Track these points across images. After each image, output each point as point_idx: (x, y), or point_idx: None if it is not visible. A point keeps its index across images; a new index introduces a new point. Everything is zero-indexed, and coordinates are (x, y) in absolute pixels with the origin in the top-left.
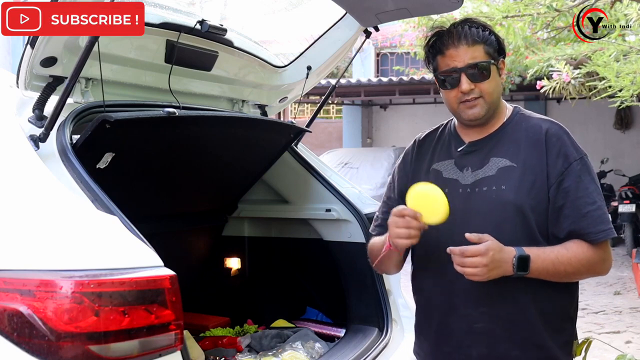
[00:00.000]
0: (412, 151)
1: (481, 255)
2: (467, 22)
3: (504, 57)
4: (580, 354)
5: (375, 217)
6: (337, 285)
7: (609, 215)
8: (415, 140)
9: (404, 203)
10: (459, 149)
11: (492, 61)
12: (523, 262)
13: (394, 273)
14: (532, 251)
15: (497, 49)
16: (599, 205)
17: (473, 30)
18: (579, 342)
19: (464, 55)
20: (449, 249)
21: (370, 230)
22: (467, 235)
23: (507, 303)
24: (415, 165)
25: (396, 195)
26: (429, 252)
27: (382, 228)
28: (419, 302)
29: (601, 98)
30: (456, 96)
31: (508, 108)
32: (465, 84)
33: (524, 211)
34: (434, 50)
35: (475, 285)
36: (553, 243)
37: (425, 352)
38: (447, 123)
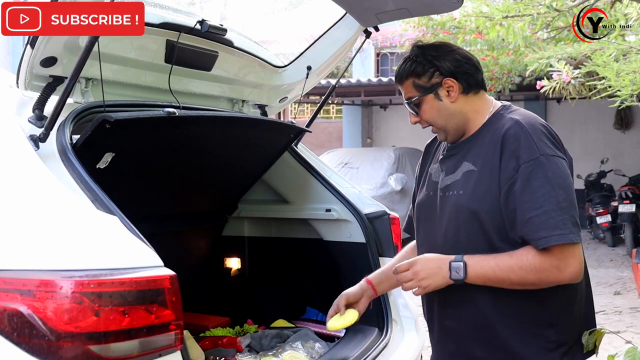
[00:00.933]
0: (422, 155)
1: (409, 269)
2: (409, 53)
3: (452, 75)
4: (592, 346)
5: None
6: (337, 285)
7: (565, 219)
8: (426, 144)
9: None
10: (443, 153)
11: (419, 95)
12: (457, 268)
13: None
14: (472, 259)
15: (437, 73)
16: (545, 210)
17: (403, 67)
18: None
19: (403, 92)
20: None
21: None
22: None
23: (468, 305)
24: (421, 168)
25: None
26: (417, 251)
27: (409, 226)
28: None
29: (601, 98)
30: None
31: (494, 106)
32: (410, 117)
33: (478, 216)
34: None
35: (444, 287)
36: (517, 248)
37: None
38: None
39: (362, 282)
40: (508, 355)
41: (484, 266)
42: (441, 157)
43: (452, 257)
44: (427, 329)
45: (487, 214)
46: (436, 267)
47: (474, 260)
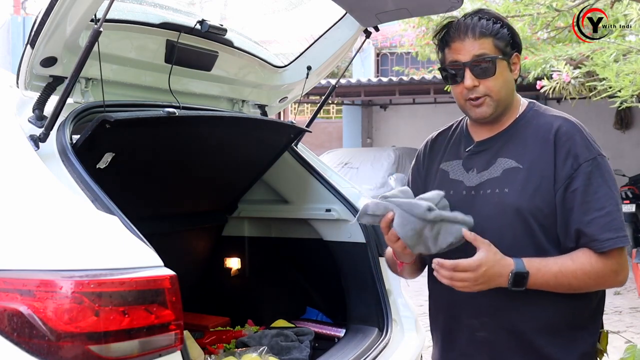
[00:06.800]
0: (424, 151)
1: (472, 271)
2: (479, 13)
3: (519, 52)
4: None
5: None
6: (337, 285)
7: (622, 221)
8: (427, 140)
9: None
10: (467, 149)
11: (500, 56)
12: (519, 278)
13: (417, 276)
14: (533, 263)
15: (511, 43)
16: (609, 211)
17: (482, 22)
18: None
19: (469, 48)
20: (438, 262)
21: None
22: (465, 232)
23: (509, 313)
24: (427, 165)
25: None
26: (431, 256)
27: None
28: (429, 303)
29: (601, 98)
30: (461, 92)
31: (522, 103)
32: (469, 79)
33: (525, 216)
34: (442, 43)
35: (475, 294)
36: (564, 250)
37: (434, 357)
38: (460, 121)
39: None
40: None
41: (545, 273)
42: (466, 154)
43: (512, 263)
44: (436, 336)
45: (535, 214)
46: (497, 273)
47: (535, 268)
